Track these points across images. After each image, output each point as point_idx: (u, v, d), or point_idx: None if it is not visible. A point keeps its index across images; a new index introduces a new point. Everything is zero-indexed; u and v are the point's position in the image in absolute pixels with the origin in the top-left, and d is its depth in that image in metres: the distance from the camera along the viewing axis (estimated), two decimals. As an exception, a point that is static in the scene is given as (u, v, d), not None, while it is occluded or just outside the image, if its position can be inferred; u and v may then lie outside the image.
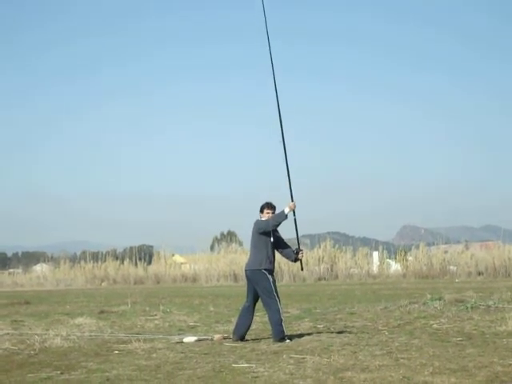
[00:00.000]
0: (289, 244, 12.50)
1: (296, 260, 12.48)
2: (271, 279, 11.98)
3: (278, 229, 12.15)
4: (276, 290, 11.95)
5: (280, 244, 12.35)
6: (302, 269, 13.20)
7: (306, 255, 43.07)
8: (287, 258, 12.71)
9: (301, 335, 12.59)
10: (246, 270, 12.24)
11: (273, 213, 12.11)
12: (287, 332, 12.07)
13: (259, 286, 11.97)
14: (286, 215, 11.94)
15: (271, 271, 12.07)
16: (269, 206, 12.21)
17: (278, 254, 12.36)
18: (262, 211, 12.23)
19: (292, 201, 12.08)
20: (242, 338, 12.09)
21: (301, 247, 12.52)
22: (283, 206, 12.00)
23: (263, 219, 12.14)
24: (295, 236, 12.59)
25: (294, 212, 12.07)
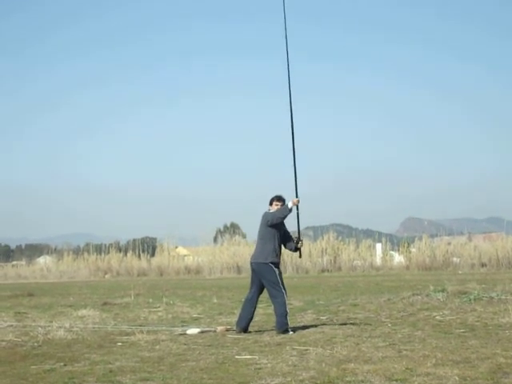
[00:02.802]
0: (291, 235, 12.61)
1: (296, 249, 12.55)
2: (277, 272, 12.01)
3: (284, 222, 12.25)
4: (282, 282, 11.99)
5: (286, 238, 12.41)
6: (300, 256, 13.27)
7: (310, 247, 43.10)
8: (288, 248, 12.77)
9: (304, 327, 12.61)
10: (251, 263, 12.26)
11: (282, 205, 12.18)
12: (290, 324, 12.08)
13: (265, 278, 11.99)
14: (290, 209, 12.04)
15: (277, 264, 12.10)
16: (279, 198, 12.30)
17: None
18: (271, 203, 12.31)
19: (296, 197, 12.16)
20: (245, 330, 12.11)
21: (302, 238, 12.64)
22: (289, 198, 12.17)
23: (271, 211, 12.19)
24: (297, 229, 12.64)
25: (297, 207, 12.17)
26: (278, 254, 12.17)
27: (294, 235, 12.57)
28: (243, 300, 12.64)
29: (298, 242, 12.45)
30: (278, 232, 12.14)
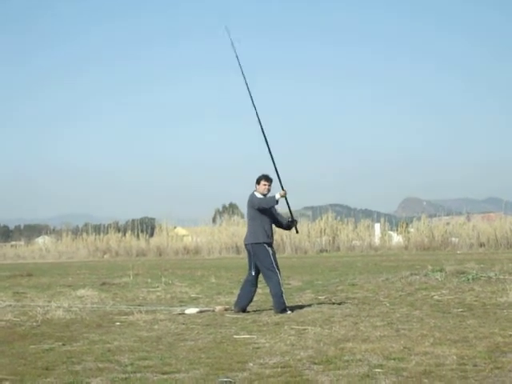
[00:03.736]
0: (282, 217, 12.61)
1: (289, 227, 12.54)
2: (271, 251, 12.00)
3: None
4: (276, 262, 11.98)
5: (277, 219, 12.40)
6: (297, 231, 13.27)
7: (308, 227, 43.22)
8: (280, 227, 12.77)
9: (302, 306, 12.63)
10: (246, 244, 12.26)
11: (269, 185, 12.12)
12: (289, 303, 12.11)
13: (259, 259, 11.99)
14: (277, 201, 12.00)
15: (270, 244, 12.09)
16: (266, 178, 12.18)
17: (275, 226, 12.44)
18: (258, 182, 12.17)
19: (283, 189, 12.07)
20: (244, 310, 12.13)
21: (296, 219, 12.62)
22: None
23: (257, 195, 12.11)
24: (288, 211, 12.61)
25: (286, 198, 12.16)
26: (270, 234, 12.14)
27: (288, 216, 12.53)
28: (243, 280, 12.64)
29: (292, 222, 12.43)
30: (266, 212, 12.13)
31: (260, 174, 12.24)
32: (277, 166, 12.18)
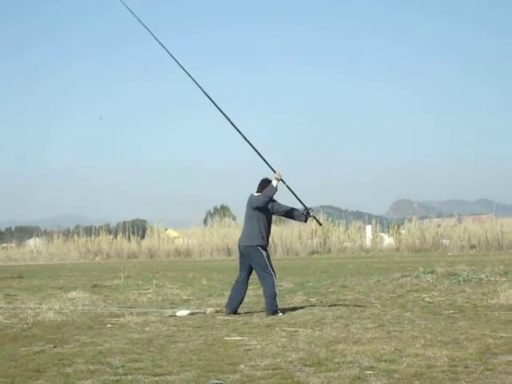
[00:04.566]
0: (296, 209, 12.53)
1: (307, 219, 12.51)
2: (265, 254, 12.00)
3: (277, 198, 12.20)
4: (271, 264, 11.99)
5: (286, 212, 12.39)
6: (320, 224, 13.26)
7: (299, 228, 43.12)
8: (299, 220, 12.72)
9: (294, 308, 12.64)
10: (239, 245, 12.26)
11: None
12: (280, 305, 12.12)
13: (253, 261, 11.99)
14: (276, 188, 11.97)
15: (264, 246, 12.09)
16: (269, 181, 12.20)
17: (273, 227, 12.41)
18: (263, 187, 12.17)
19: (274, 172, 12.08)
20: (235, 312, 12.13)
21: (310, 208, 12.48)
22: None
23: (256, 195, 12.13)
24: (298, 201, 12.53)
25: (282, 180, 12.08)
26: (265, 236, 12.13)
27: (302, 208, 12.46)
28: (233, 282, 12.64)
29: (308, 213, 12.33)
30: (264, 214, 12.10)
31: (263, 178, 12.30)
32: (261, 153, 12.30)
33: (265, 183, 12.17)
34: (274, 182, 11.98)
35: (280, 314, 11.74)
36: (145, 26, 13.22)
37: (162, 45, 13.12)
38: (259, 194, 12.11)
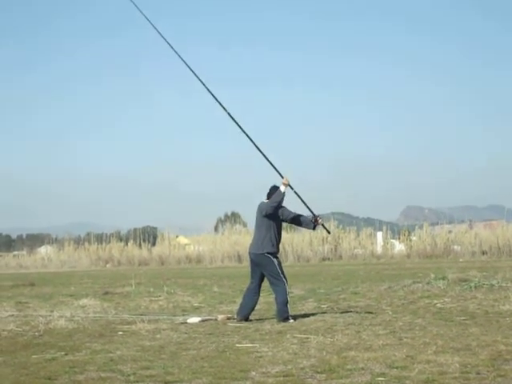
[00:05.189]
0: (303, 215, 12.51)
1: (315, 227, 12.50)
2: (276, 262, 12.01)
3: (285, 204, 12.19)
4: (282, 271, 11.99)
5: (293, 218, 12.37)
6: (328, 232, 13.22)
7: (310, 235, 43.08)
8: (307, 227, 12.73)
9: (305, 315, 12.62)
10: (250, 253, 12.26)
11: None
12: (291, 312, 12.11)
13: (265, 269, 12.01)
14: (283, 193, 11.98)
15: (275, 253, 12.08)
16: (276, 188, 12.23)
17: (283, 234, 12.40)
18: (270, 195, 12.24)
19: (282, 177, 12.10)
20: (246, 319, 12.12)
21: (318, 215, 12.47)
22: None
23: (265, 202, 12.14)
24: (306, 208, 12.53)
25: (290, 186, 12.11)
26: (275, 243, 12.12)
27: (310, 216, 12.46)
28: (245, 289, 12.63)
29: (316, 220, 12.31)
30: (274, 221, 12.10)
31: (272, 186, 12.31)
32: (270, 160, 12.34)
33: (273, 190, 12.18)
34: (282, 188, 12.00)
35: (291, 320, 11.73)
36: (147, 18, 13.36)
37: (168, 43, 13.19)
38: (268, 200, 12.13)
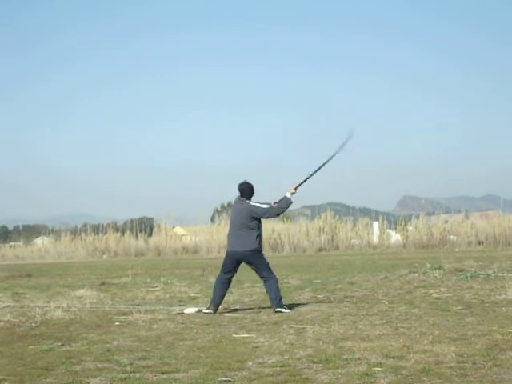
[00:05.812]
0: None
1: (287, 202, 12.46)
2: (264, 255, 12.38)
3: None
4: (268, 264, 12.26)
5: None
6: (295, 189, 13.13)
7: (307, 226, 43.11)
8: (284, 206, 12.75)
9: (301, 305, 12.63)
10: (233, 251, 12.27)
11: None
12: (287, 302, 12.16)
13: (258, 263, 12.17)
14: (291, 200, 12.26)
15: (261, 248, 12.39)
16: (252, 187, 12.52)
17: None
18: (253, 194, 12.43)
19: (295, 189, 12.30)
20: (218, 308, 12.19)
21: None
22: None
23: (260, 206, 12.15)
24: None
25: (296, 189, 12.38)
26: (261, 239, 12.38)
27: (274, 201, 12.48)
28: (216, 281, 12.56)
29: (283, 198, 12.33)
30: (260, 221, 12.35)
31: (250, 184, 12.43)
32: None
33: (247, 189, 12.35)
34: (288, 195, 12.22)
35: (287, 310, 11.74)
36: None
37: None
38: (257, 202, 12.17)
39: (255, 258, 12.15)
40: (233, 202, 12.75)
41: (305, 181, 12.44)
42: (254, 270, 12.33)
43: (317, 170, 12.52)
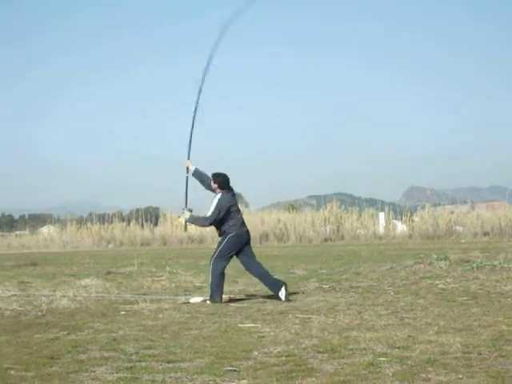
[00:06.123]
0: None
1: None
2: None
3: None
4: None
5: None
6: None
7: (313, 216, 43.09)
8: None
9: (307, 295, 12.64)
10: (248, 232, 12.44)
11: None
12: (293, 292, 12.16)
13: (250, 246, 12.50)
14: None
15: None
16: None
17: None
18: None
19: (188, 158, 12.81)
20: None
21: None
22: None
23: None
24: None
25: (187, 169, 12.72)
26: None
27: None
28: (221, 272, 12.50)
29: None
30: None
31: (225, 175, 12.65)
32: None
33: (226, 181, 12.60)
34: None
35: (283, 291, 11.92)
36: None
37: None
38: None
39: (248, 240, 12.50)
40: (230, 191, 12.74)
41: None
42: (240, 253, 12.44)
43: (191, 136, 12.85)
